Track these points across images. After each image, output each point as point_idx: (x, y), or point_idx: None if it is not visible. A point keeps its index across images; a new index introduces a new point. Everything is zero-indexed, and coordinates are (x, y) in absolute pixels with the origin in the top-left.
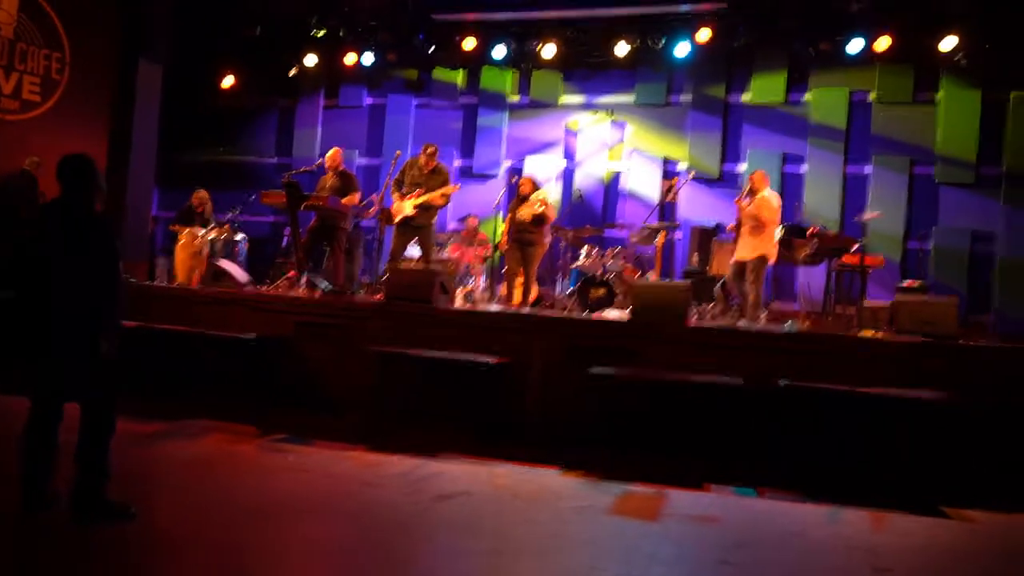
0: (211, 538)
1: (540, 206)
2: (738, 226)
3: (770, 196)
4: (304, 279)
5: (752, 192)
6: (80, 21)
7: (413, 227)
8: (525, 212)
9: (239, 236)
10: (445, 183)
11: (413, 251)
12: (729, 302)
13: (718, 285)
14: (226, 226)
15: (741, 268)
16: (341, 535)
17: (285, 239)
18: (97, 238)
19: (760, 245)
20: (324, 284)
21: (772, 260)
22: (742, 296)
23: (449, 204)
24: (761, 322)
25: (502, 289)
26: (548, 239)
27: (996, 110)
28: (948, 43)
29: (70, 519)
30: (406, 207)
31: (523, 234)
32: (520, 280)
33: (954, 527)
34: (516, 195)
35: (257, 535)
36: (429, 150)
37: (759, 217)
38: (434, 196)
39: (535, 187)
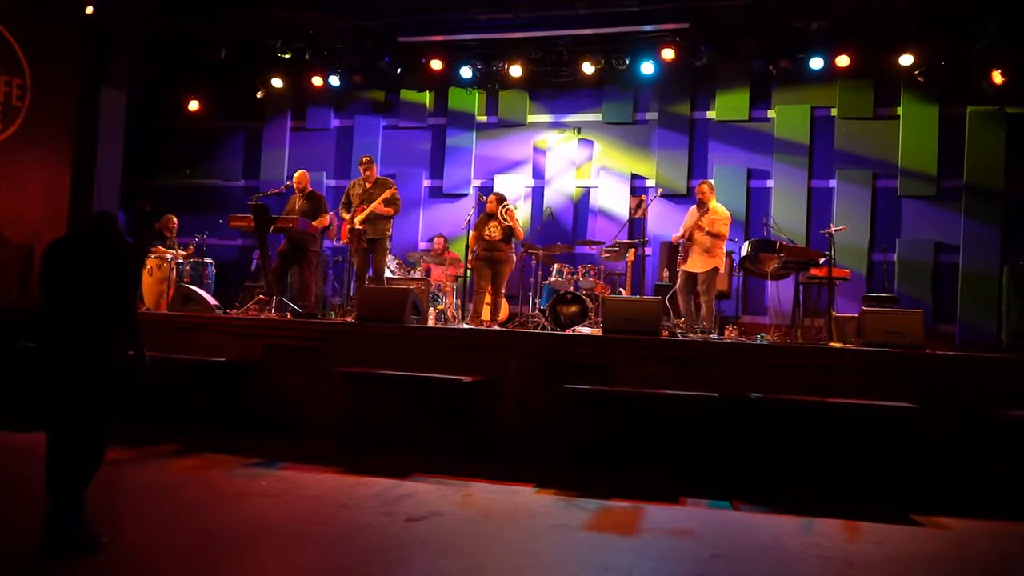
0: (185, 566)
1: (507, 219)
2: (688, 237)
3: (722, 208)
4: (275, 302)
5: (702, 204)
6: (41, 47)
7: (367, 242)
8: (494, 229)
9: (207, 260)
10: (388, 189)
11: (393, 266)
12: (674, 316)
13: (666, 297)
14: (190, 248)
15: (693, 280)
16: (317, 560)
17: (254, 262)
18: (111, 266)
19: (713, 258)
20: (294, 307)
21: (722, 270)
22: (688, 307)
23: (400, 211)
24: (715, 331)
25: (472, 306)
26: (515, 255)
27: (954, 124)
28: (905, 60)
29: (40, 554)
30: (355, 223)
31: (492, 252)
32: (489, 297)
33: (926, 534)
34: (482, 213)
35: (232, 562)
36: (364, 159)
37: (714, 230)
38: (375, 205)
39: (502, 204)
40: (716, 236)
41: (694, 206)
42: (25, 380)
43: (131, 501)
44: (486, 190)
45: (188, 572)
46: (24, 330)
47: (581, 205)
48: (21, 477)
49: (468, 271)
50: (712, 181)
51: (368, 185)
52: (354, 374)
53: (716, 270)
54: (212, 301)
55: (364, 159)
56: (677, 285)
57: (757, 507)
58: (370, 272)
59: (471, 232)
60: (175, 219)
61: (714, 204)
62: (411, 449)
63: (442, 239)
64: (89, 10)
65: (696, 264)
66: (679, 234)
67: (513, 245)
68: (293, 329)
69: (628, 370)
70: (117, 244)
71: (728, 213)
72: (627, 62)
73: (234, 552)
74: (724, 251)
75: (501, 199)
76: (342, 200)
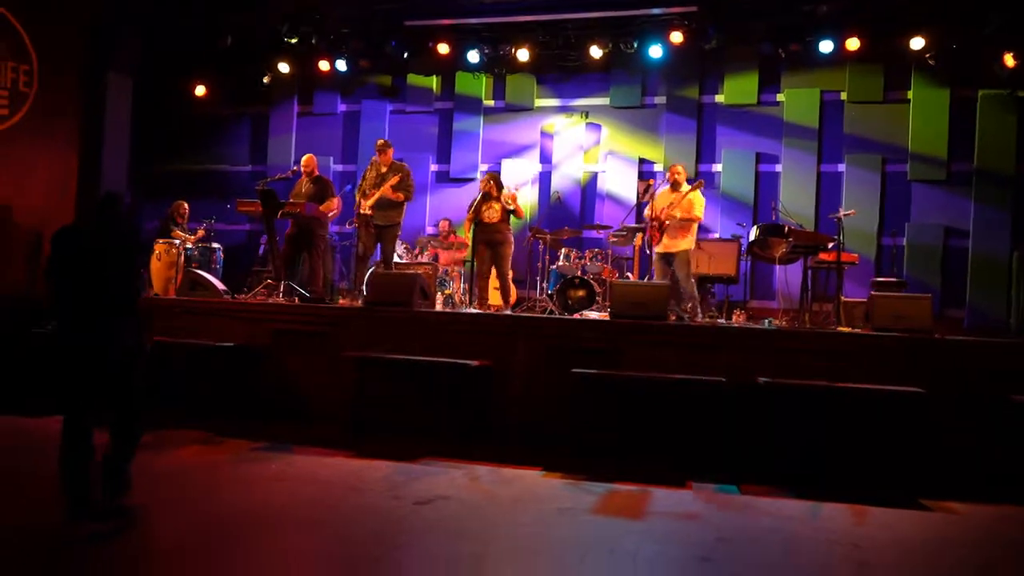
0: (194, 550)
1: (511, 203)
2: (659, 217)
3: (698, 190)
4: (283, 287)
5: (676, 185)
6: (48, 34)
7: (377, 227)
8: (493, 211)
9: (215, 245)
10: (400, 176)
11: (400, 250)
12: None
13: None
14: (199, 231)
15: (668, 260)
16: (327, 543)
17: (262, 247)
18: (116, 251)
19: (691, 238)
20: (302, 291)
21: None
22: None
23: (411, 198)
24: (696, 314)
25: (478, 291)
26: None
27: (965, 108)
28: (916, 43)
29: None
30: (365, 208)
31: (493, 234)
32: (496, 281)
33: (934, 519)
34: (480, 194)
35: (242, 545)
36: (380, 143)
37: (691, 211)
38: (385, 189)
39: (499, 184)
40: (691, 220)
41: (667, 187)
42: (37, 365)
43: (139, 486)
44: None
45: (197, 556)
46: (32, 316)
47: (588, 189)
48: (30, 461)
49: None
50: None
51: (383, 169)
52: (362, 359)
53: (690, 251)
54: (220, 286)
55: (379, 142)
56: (654, 271)
57: (764, 491)
58: (377, 257)
59: (468, 214)
60: (186, 205)
61: (689, 186)
62: (418, 433)
63: (447, 222)
64: None
65: (672, 244)
66: (650, 212)
67: (511, 227)
68: (301, 314)
69: (636, 355)
70: (124, 229)
71: (704, 198)
72: (635, 45)
73: (243, 536)
74: (696, 231)
75: (496, 178)
76: (359, 184)
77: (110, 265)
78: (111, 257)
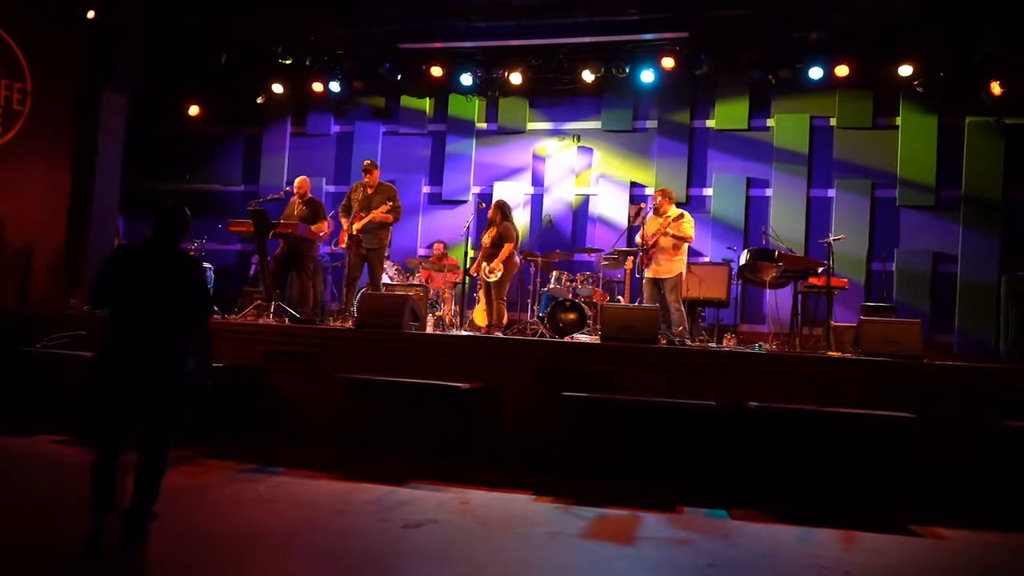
0: (184, 572)
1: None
2: (653, 243)
3: (686, 214)
4: (273, 307)
5: (658, 210)
6: (42, 52)
7: (365, 249)
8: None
9: (206, 265)
10: (390, 200)
11: (392, 272)
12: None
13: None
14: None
15: (658, 286)
16: (311, 566)
17: (252, 268)
18: (188, 277)
19: (679, 263)
20: (293, 312)
21: (684, 276)
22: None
23: (400, 219)
24: (685, 338)
25: (472, 314)
26: (518, 260)
27: (953, 135)
28: (905, 71)
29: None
30: (353, 230)
31: (491, 260)
32: (491, 304)
33: (924, 545)
34: (486, 222)
35: (226, 568)
36: (366, 163)
37: (681, 233)
38: (375, 214)
39: (503, 215)
40: (683, 239)
41: (652, 213)
42: (25, 384)
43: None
44: (485, 197)
45: None
46: (22, 334)
47: (580, 213)
48: (18, 480)
49: (467, 277)
50: (668, 189)
51: (369, 191)
52: (352, 380)
53: (681, 275)
54: None
55: (366, 163)
56: (644, 296)
57: (754, 516)
58: (366, 279)
59: (478, 241)
60: None
61: (677, 210)
62: (408, 455)
63: (441, 245)
64: (90, 15)
65: (661, 269)
66: (641, 240)
67: (513, 252)
68: (291, 335)
69: (626, 378)
70: (183, 251)
71: (693, 219)
72: (627, 70)
73: (229, 559)
74: (686, 256)
75: (500, 206)
76: (343, 203)
77: (170, 288)
78: (172, 279)
